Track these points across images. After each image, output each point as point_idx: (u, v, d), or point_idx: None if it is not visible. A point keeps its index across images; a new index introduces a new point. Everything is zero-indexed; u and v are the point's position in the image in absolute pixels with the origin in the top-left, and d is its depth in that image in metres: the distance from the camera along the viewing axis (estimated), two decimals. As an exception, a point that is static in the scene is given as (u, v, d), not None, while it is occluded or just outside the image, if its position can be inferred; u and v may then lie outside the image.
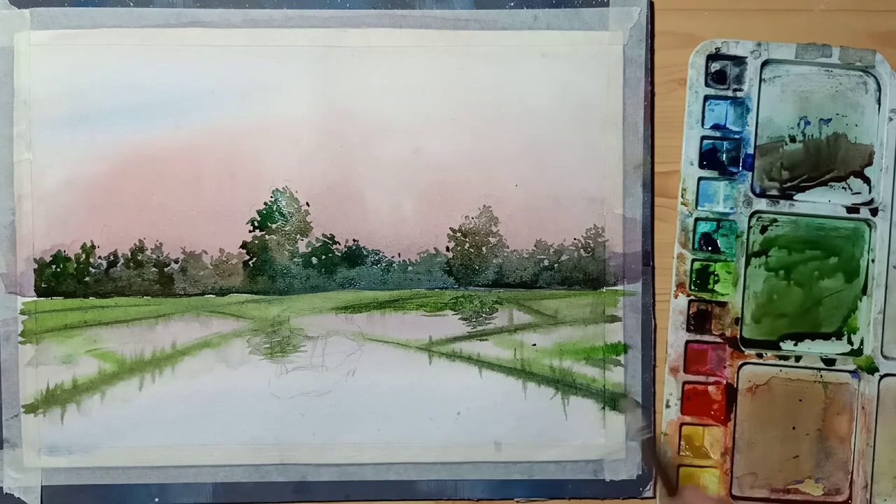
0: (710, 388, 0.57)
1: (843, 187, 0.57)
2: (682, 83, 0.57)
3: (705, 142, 0.56)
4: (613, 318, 0.57)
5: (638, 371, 0.57)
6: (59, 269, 0.56)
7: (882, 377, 0.56)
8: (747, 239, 0.56)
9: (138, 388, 0.56)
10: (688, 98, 0.56)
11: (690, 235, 0.56)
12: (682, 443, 0.57)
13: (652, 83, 0.57)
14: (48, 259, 0.56)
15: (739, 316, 0.56)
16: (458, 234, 0.57)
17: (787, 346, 0.57)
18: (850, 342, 0.57)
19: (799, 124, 0.57)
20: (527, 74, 0.56)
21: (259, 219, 0.56)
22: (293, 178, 0.56)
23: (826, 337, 0.57)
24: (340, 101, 0.56)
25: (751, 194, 0.56)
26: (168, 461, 0.56)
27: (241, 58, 0.56)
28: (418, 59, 0.56)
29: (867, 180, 0.57)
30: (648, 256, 0.57)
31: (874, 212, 0.56)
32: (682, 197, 0.56)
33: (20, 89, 0.55)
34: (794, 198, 0.57)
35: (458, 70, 0.56)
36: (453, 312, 0.57)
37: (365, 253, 0.56)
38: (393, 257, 0.56)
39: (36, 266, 0.55)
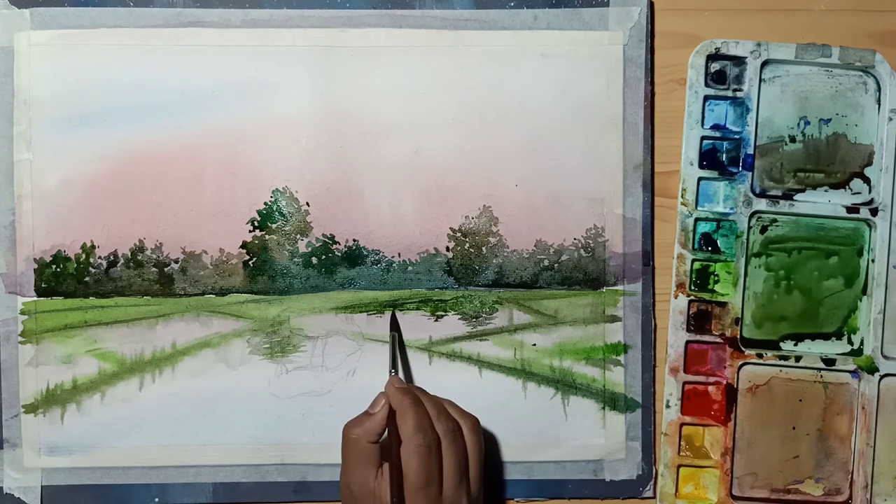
0: (710, 389, 0.57)
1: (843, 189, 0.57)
2: (682, 83, 0.57)
3: (705, 142, 0.56)
4: (613, 318, 0.57)
5: (638, 371, 0.57)
6: (59, 269, 0.56)
7: (882, 377, 0.56)
8: (747, 239, 0.56)
9: (138, 388, 0.56)
10: (688, 98, 0.56)
11: (690, 235, 0.56)
12: (682, 443, 0.57)
13: (652, 83, 0.57)
14: (48, 259, 0.55)
15: (739, 316, 0.56)
16: (458, 234, 0.57)
17: (787, 346, 0.57)
18: (850, 342, 0.57)
19: (799, 124, 0.57)
20: (527, 74, 0.56)
21: (259, 219, 0.56)
22: (293, 178, 0.56)
23: (826, 337, 0.57)
24: (340, 101, 0.56)
25: (751, 194, 0.56)
26: (168, 461, 0.56)
27: (241, 58, 0.56)
28: (418, 59, 0.56)
29: (867, 180, 0.57)
30: (648, 256, 0.57)
31: (874, 212, 0.56)
32: (682, 197, 0.56)
33: (20, 89, 0.55)
34: (794, 198, 0.57)
35: (458, 70, 0.56)
36: (453, 312, 0.57)
37: (365, 253, 0.56)
38: (393, 257, 0.56)
39: (36, 266, 0.55)
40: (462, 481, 0.48)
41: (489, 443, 0.56)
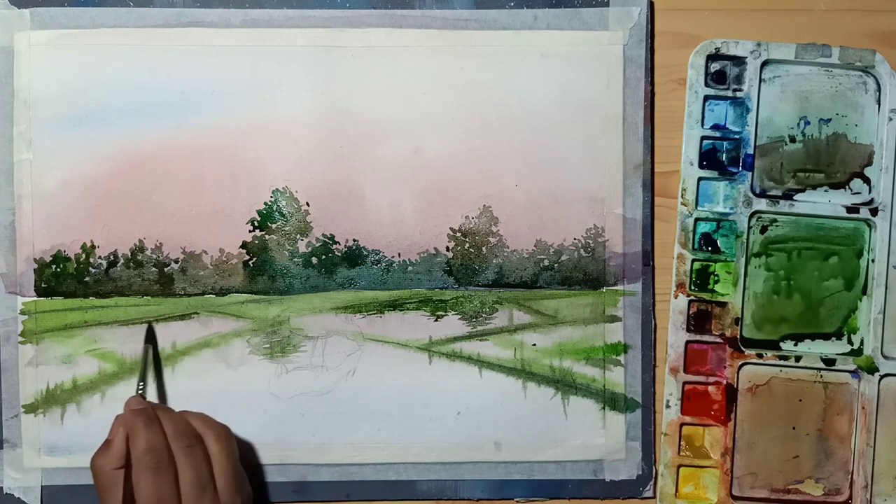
0: (710, 388, 0.57)
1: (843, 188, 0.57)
2: (682, 83, 0.57)
3: (705, 142, 0.56)
4: (613, 318, 0.57)
5: (638, 371, 0.57)
6: (59, 269, 0.56)
7: (882, 377, 0.56)
8: (747, 239, 0.56)
9: (138, 388, 0.56)
10: (688, 98, 0.56)
11: (690, 235, 0.56)
12: (682, 443, 0.57)
13: (652, 83, 0.57)
14: (48, 259, 0.55)
15: (739, 316, 0.56)
16: (458, 234, 0.57)
17: (787, 346, 0.57)
18: (850, 342, 0.57)
19: (799, 124, 0.57)
20: (527, 74, 0.56)
21: (259, 219, 0.56)
22: (293, 178, 0.56)
23: (826, 337, 0.57)
24: (340, 101, 0.56)
25: (751, 194, 0.56)
26: (168, 461, 0.56)
27: (241, 58, 0.56)
28: (418, 59, 0.56)
29: (867, 180, 0.57)
30: (648, 256, 0.57)
31: (874, 212, 0.56)
32: (682, 197, 0.56)
33: (20, 89, 0.55)
34: (794, 198, 0.57)
35: (458, 70, 0.56)
36: (453, 312, 0.57)
37: (365, 253, 0.56)
38: (393, 257, 0.56)
39: (36, 266, 0.55)
40: (204, 494, 0.48)
41: (488, 444, 0.56)
